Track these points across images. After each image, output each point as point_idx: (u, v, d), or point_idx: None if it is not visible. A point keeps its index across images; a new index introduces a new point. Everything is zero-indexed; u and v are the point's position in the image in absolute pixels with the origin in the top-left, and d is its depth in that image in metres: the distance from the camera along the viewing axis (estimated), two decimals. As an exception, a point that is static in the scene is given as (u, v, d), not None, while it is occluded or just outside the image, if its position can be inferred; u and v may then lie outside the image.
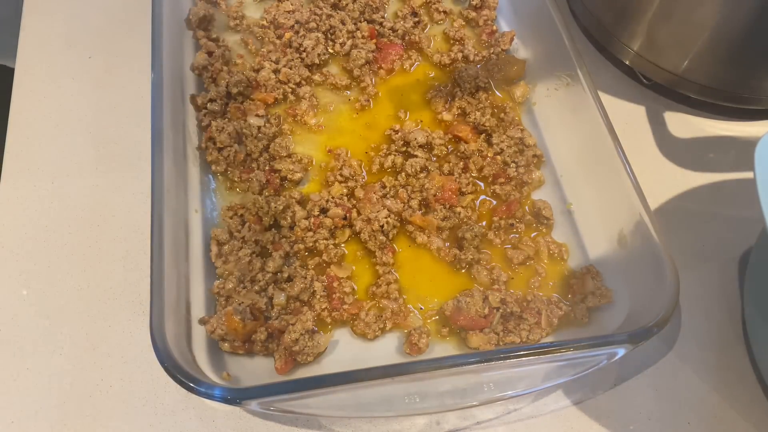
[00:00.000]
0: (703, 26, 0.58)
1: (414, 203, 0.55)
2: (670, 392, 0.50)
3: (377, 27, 0.66)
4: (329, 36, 0.65)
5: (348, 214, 0.53)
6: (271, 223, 0.53)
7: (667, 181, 0.61)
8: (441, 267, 0.53)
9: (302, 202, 0.54)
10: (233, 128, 0.56)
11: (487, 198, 0.57)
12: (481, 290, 0.51)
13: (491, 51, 0.65)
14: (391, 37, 0.65)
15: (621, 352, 0.43)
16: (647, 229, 0.48)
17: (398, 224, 0.54)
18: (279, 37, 0.64)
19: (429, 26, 0.68)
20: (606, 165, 0.52)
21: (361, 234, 0.53)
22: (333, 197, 0.54)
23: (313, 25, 0.64)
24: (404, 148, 0.58)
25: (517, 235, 0.55)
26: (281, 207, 0.52)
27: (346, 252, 0.53)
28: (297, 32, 0.64)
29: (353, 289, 0.50)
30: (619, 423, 0.48)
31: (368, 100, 0.62)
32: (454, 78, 0.63)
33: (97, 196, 0.56)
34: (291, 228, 0.52)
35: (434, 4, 0.68)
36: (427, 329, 0.49)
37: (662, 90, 0.67)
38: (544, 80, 0.62)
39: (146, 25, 0.55)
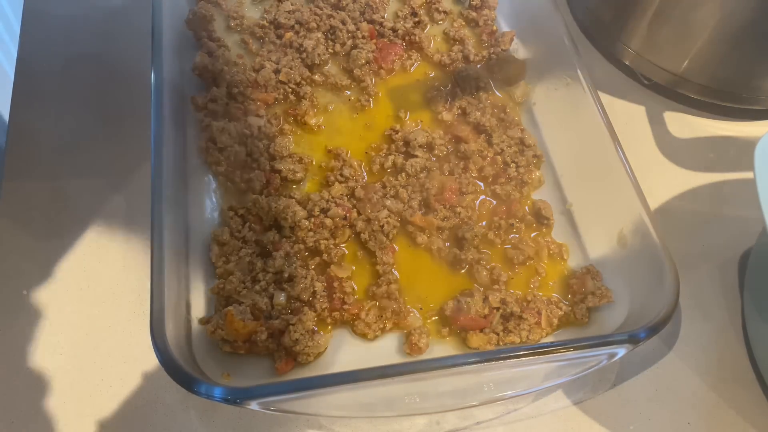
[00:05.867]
0: (703, 26, 0.59)
1: (414, 203, 0.55)
2: (670, 392, 0.50)
3: (377, 27, 0.66)
4: (329, 36, 0.65)
5: (348, 214, 0.53)
6: (272, 223, 0.53)
7: (667, 181, 0.61)
8: (441, 267, 0.53)
9: (302, 202, 0.54)
10: (234, 128, 0.56)
11: (487, 198, 0.57)
12: (481, 290, 0.51)
13: (491, 51, 0.65)
14: (391, 37, 0.65)
15: (621, 352, 0.43)
16: (647, 229, 0.48)
17: (398, 224, 0.54)
18: (279, 37, 0.64)
19: (429, 26, 0.68)
20: (606, 165, 0.52)
21: (362, 234, 0.53)
22: (333, 197, 0.54)
23: (313, 25, 0.64)
24: (404, 149, 0.58)
25: (517, 235, 0.55)
26: (281, 207, 0.52)
27: (347, 252, 0.53)
28: (297, 32, 0.64)
29: (353, 289, 0.50)
30: (619, 423, 0.48)
31: (368, 100, 0.62)
32: (454, 78, 0.63)
33: (97, 195, 0.56)
34: (291, 228, 0.52)
35: (434, 4, 0.68)
36: (427, 329, 0.49)
37: (662, 90, 0.67)
38: (544, 80, 0.62)
39: (146, 25, 0.55)
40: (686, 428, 0.49)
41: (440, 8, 0.68)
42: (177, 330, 0.44)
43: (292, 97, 0.61)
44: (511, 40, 0.66)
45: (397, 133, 0.59)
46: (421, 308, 0.51)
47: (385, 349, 0.49)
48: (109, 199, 0.56)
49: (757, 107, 0.65)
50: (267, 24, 0.65)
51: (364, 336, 0.49)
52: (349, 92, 0.63)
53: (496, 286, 0.51)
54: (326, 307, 0.49)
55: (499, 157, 0.58)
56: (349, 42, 0.64)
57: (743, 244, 0.57)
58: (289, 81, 0.61)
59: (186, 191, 0.54)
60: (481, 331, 0.49)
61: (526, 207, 0.56)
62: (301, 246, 0.51)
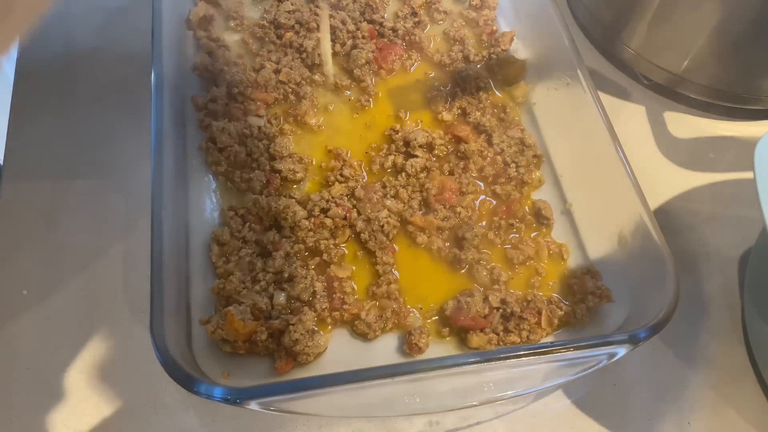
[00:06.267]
0: (703, 26, 0.59)
1: (414, 203, 0.55)
2: (670, 392, 0.50)
3: (377, 27, 0.66)
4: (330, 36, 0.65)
5: (348, 214, 0.53)
6: (272, 223, 0.53)
7: (667, 181, 0.61)
8: (441, 267, 0.53)
9: (302, 202, 0.54)
10: (234, 128, 0.56)
11: (487, 198, 0.57)
12: (481, 290, 0.51)
13: (491, 51, 0.65)
14: (391, 37, 0.65)
15: (621, 352, 0.43)
16: (647, 229, 0.48)
17: (398, 224, 0.54)
18: (279, 37, 0.64)
19: (429, 26, 0.68)
20: (606, 165, 0.52)
21: (362, 234, 0.53)
22: (333, 197, 0.54)
23: (313, 25, 0.64)
24: (404, 149, 0.58)
25: (517, 235, 0.55)
26: (281, 207, 0.52)
27: (347, 252, 0.53)
28: (297, 32, 0.64)
29: (353, 289, 0.50)
30: (619, 423, 0.48)
31: (368, 100, 0.62)
32: (454, 78, 0.63)
33: (97, 195, 0.56)
34: (291, 228, 0.52)
35: (434, 4, 0.68)
36: (427, 329, 0.49)
37: (662, 90, 0.67)
38: (544, 80, 0.62)
39: (146, 25, 0.55)
40: (686, 428, 0.49)
41: (440, 8, 0.68)
42: (177, 330, 0.44)
43: (292, 97, 0.61)
44: (511, 40, 0.66)
45: (397, 133, 0.59)
46: (421, 308, 0.51)
47: (385, 349, 0.49)
48: (109, 199, 0.56)
49: (757, 107, 0.65)
50: (267, 24, 0.65)
51: (364, 336, 0.49)
52: (349, 92, 0.63)
53: (496, 286, 0.51)
54: (326, 307, 0.49)
55: (499, 157, 0.58)
56: (349, 42, 0.64)
57: (743, 244, 0.57)
58: (289, 81, 0.61)
59: (186, 191, 0.54)
60: (481, 331, 0.49)
61: (526, 207, 0.56)
62: (301, 246, 0.51)
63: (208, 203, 0.54)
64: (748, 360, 0.52)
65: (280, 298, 0.49)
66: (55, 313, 0.50)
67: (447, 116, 0.61)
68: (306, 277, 0.50)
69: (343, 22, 0.65)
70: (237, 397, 0.38)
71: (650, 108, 0.67)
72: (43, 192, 0.56)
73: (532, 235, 0.55)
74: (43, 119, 0.60)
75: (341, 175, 0.56)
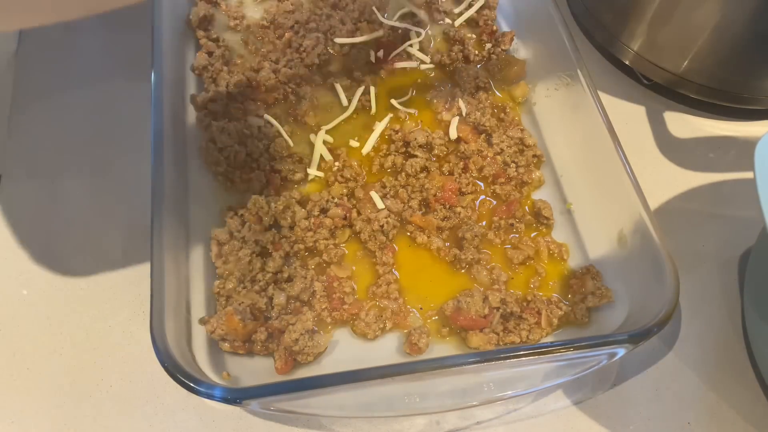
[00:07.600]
0: (703, 26, 0.59)
1: (414, 203, 0.55)
2: (670, 392, 0.50)
3: (377, 27, 0.66)
4: (329, 36, 0.65)
5: (348, 214, 0.53)
6: (271, 223, 0.53)
7: (667, 181, 0.61)
8: (441, 267, 0.53)
9: (302, 202, 0.54)
10: (233, 128, 0.56)
11: (487, 198, 0.57)
12: (481, 290, 0.51)
13: (491, 51, 0.65)
14: (391, 37, 0.65)
15: (621, 352, 0.43)
16: (647, 229, 0.48)
17: (398, 224, 0.54)
18: (279, 37, 0.64)
19: (429, 26, 0.68)
20: (606, 165, 0.52)
21: (361, 234, 0.53)
22: (333, 197, 0.54)
23: (313, 25, 0.64)
24: (404, 149, 0.58)
25: (517, 235, 0.55)
26: (281, 207, 0.52)
27: (346, 252, 0.53)
28: (297, 32, 0.64)
29: (353, 289, 0.50)
30: (619, 423, 0.48)
31: (368, 100, 0.62)
32: (454, 78, 0.63)
33: (97, 195, 0.56)
34: (291, 228, 0.52)
35: (434, 4, 0.68)
36: (427, 329, 0.49)
37: (662, 90, 0.67)
38: (544, 80, 0.62)
39: (146, 25, 0.55)
40: (686, 428, 0.49)
41: (440, 8, 0.68)
42: (177, 330, 0.44)
43: (292, 97, 0.61)
44: (511, 40, 0.66)
45: (397, 133, 0.59)
46: (421, 308, 0.51)
47: (385, 349, 0.49)
48: (110, 198, 0.56)
49: (757, 107, 0.65)
50: (267, 24, 0.65)
51: (363, 336, 0.49)
52: (348, 92, 0.62)
53: (496, 286, 0.51)
54: (326, 307, 0.49)
55: (499, 157, 0.58)
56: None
57: (743, 244, 0.57)
58: (289, 81, 0.61)
59: (186, 191, 0.54)
60: (481, 331, 0.49)
61: (526, 207, 0.56)
62: (301, 246, 0.51)
63: (208, 203, 0.54)
64: (748, 360, 0.52)
65: (280, 298, 0.49)
66: (55, 313, 0.50)
67: (447, 116, 0.61)
68: (305, 277, 0.50)
69: (343, 22, 0.65)
70: (237, 397, 0.38)
71: (650, 108, 0.67)
72: (43, 192, 0.56)
73: (532, 235, 0.55)
74: (42, 118, 0.60)
75: (341, 175, 0.56)
